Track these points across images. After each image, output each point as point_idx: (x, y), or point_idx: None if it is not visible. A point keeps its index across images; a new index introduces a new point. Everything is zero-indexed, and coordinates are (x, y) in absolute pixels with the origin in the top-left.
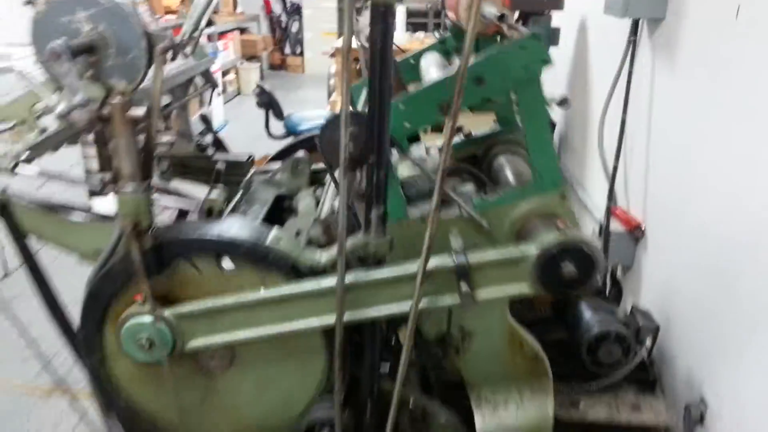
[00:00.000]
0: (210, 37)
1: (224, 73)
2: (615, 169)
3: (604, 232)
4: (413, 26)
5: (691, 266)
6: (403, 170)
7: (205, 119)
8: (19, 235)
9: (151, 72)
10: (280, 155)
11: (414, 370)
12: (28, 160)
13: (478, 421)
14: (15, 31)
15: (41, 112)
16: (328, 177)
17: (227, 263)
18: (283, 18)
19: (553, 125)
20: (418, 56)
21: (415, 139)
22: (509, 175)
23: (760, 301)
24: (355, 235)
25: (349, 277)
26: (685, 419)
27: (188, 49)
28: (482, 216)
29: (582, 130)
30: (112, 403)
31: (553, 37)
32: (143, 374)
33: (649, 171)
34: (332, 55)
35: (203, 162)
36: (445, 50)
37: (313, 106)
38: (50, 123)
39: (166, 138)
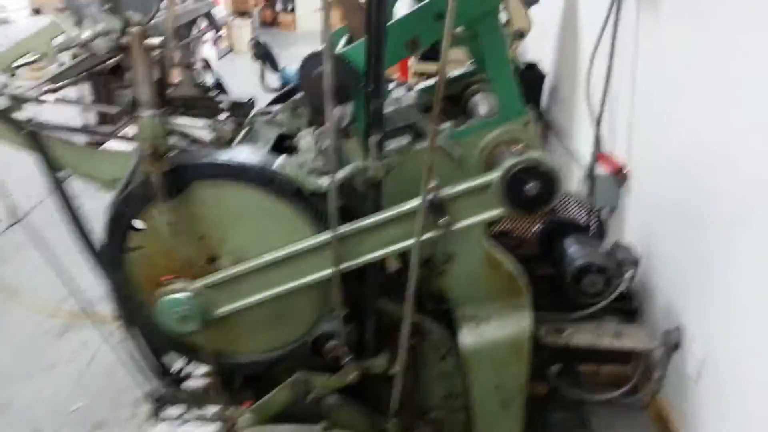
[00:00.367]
0: None
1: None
2: (600, 116)
3: (590, 175)
4: None
5: (671, 205)
6: None
7: (206, 62)
8: (50, 167)
9: (162, 6)
10: (280, 99)
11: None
12: (52, 92)
13: (462, 335)
14: None
15: (61, 46)
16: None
17: None
18: None
19: (542, 77)
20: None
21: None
22: (483, 111)
23: (731, 237)
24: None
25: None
26: (663, 344)
27: None
28: (452, 146)
29: (570, 81)
30: (134, 317)
31: None
32: None
33: (633, 117)
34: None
35: (207, 101)
36: None
37: None
38: (68, 59)
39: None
